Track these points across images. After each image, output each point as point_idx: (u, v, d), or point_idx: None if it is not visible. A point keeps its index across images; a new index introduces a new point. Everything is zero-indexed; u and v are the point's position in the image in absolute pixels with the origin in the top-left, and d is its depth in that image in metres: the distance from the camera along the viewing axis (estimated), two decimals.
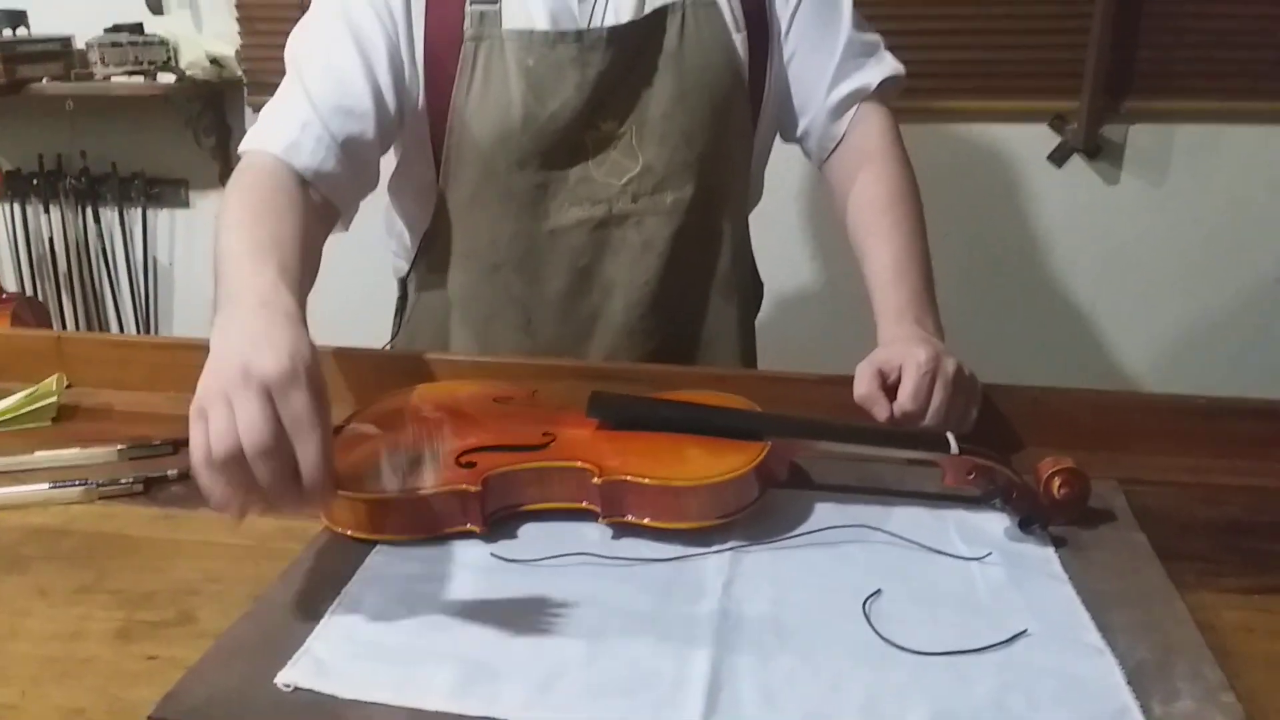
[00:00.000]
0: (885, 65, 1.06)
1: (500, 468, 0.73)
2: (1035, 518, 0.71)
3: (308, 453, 0.58)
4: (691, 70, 0.98)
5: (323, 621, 0.62)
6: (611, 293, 1.04)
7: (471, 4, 0.96)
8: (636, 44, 0.96)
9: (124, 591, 0.68)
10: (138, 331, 2.63)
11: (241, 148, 0.92)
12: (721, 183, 1.05)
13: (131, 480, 0.81)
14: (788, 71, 1.06)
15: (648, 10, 0.97)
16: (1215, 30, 2.01)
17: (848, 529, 0.72)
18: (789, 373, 0.93)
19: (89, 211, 2.53)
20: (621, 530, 0.72)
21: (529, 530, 0.73)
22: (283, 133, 0.89)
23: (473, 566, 0.69)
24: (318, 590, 0.66)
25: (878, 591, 0.65)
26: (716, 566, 0.68)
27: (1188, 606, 0.64)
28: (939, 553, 0.70)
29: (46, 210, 2.54)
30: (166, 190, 2.52)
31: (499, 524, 0.73)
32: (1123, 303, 2.22)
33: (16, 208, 2.55)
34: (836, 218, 1.07)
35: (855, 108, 1.05)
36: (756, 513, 0.73)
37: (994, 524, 0.74)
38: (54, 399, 0.96)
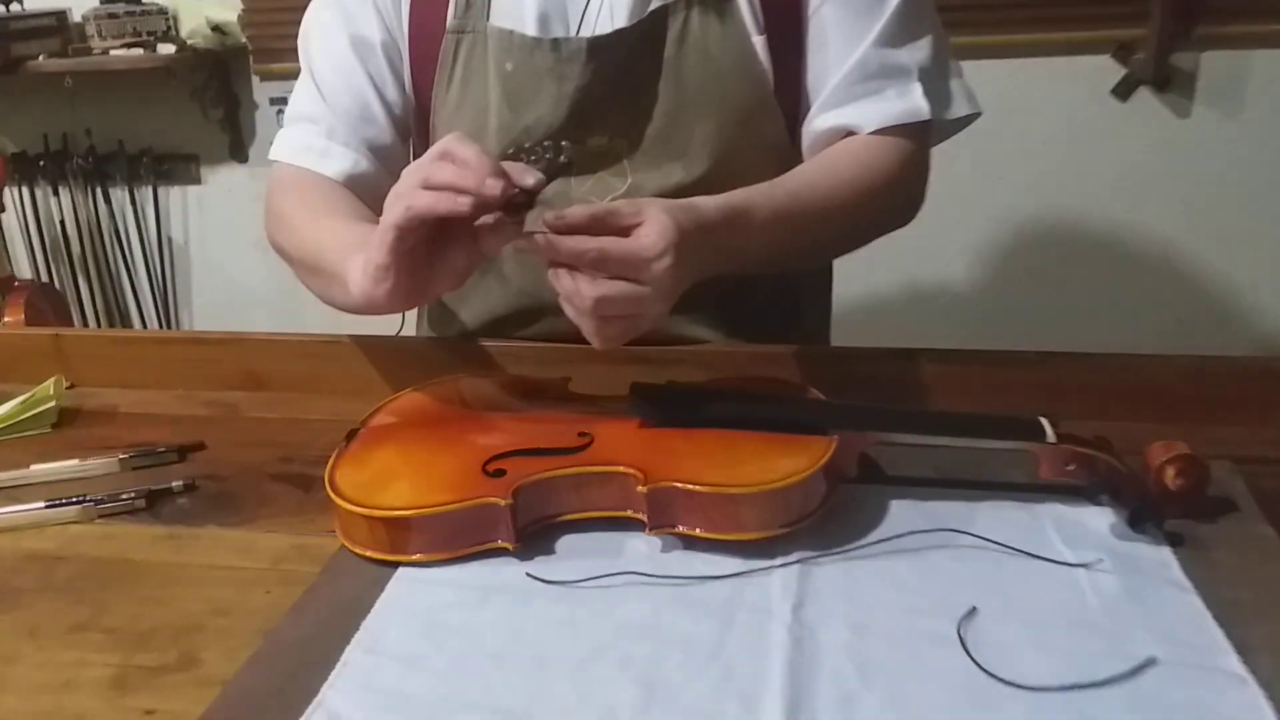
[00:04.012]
0: (897, 103, 0.84)
1: (533, 476, 0.64)
2: (1148, 513, 0.62)
3: None
4: (692, 82, 0.85)
5: (338, 667, 0.55)
6: None
7: None
8: (626, 54, 0.84)
9: (121, 630, 0.61)
10: (158, 316, 2.57)
11: (272, 155, 0.94)
12: None
13: (133, 495, 0.75)
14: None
15: (647, 13, 0.84)
16: None
17: (930, 534, 0.63)
18: (854, 348, 0.84)
19: (99, 192, 2.47)
20: (672, 542, 0.64)
21: (567, 543, 0.65)
22: (311, 143, 0.91)
23: (506, 590, 0.61)
24: (333, 625, 0.59)
25: (973, 610, 0.57)
26: (783, 584, 0.60)
27: None
28: (1038, 558, 0.61)
29: (55, 193, 2.48)
30: (177, 167, 2.44)
31: (533, 538, 0.65)
32: (1198, 248, 2.08)
33: (25, 191, 2.49)
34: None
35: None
36: (824, 516, 0.64)
37: (1098, 520, 0.65)
38: (52, 403, 0.90)
